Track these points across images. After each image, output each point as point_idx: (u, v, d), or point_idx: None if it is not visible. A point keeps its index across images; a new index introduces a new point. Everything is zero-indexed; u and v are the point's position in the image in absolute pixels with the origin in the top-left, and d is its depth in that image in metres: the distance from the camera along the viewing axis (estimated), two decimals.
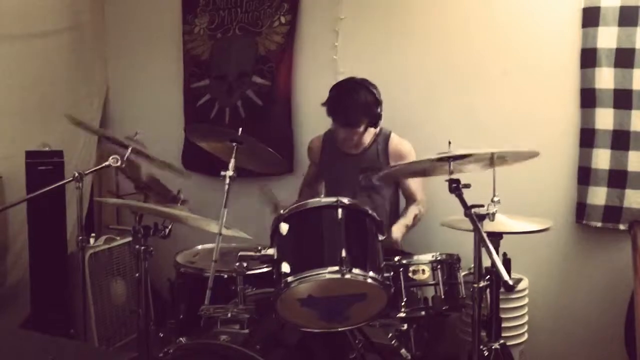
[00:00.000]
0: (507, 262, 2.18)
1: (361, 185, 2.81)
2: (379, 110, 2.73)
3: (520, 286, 2.78)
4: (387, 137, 2.86)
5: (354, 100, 2.68)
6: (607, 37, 2.70)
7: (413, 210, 2.78)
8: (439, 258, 2.11)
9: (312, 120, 3.34)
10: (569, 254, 2.92)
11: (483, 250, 1.81)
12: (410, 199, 2.86)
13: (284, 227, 1.98)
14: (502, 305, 2.29)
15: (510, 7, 2.94)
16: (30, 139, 3.20)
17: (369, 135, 2.84)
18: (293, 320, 1.98)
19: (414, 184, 2.84)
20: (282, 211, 2.03)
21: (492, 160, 2.11)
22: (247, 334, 2.00)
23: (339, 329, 1.99)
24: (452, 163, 2.00)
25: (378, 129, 2.85)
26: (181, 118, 3.73)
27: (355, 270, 1.86)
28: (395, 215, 2.89)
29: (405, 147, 2.85)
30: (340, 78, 2.95)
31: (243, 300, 2.05)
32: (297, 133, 3.43)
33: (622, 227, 2.74)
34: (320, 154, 3.01)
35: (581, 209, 2.82)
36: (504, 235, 2.18)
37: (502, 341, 2.14)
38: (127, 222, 3.69)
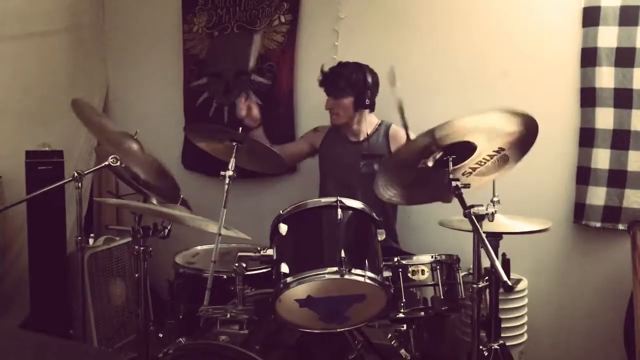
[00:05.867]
0: (506, 263, 2.18)
1: (362, 172, 2.81)
2: (367, 91, 2.80)
3: (519, 286, 2.78)
4: (388, 127, 2.91)
5: (341, 72, 2.82)
6: (608, 37, 2.70)
7: None
8: (438, 258, 2.12)
9: (313, 119, 3.33)
10: (568, 254, 2.92)
11: (482, 250, 1.80)
12: None
13: (283, 228, 1.98)
14: (501, 306, 2.29)
15: (510, 6, 2.93)
16: (30, 138, 3.20)
17: (369, 125, 2.89)
18: (292, 321, 1.98)
19: None
20: (281, 211, 2.03)
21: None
22: (246, 335, 2.00)
23: (338, 330, 1.99)
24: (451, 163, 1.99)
25: (379, 120, 2.91)
26: (181, 118, 3.73)
27: (355, 271, 1.86)
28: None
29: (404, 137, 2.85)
30: None
31: (242, 301, 2.04)
32: (299, 132, 3.43)
33: (621, 227, 2.74)
34: (323, 139, 3.04)
35: (580, 209, 2.82)
36: (503, 236, 2.18)
37: (501, 341, 2.14)
38: (127, 222, 3.69)
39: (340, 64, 2.89)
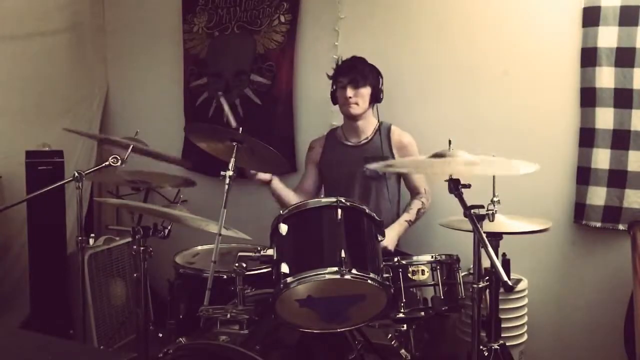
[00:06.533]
0: (506, 263, 2.18)
1: (365, 175, 2.82)
2: (380, 86, 2.84)
3: (519, 286, 2.78)
4: (388, 129, 2.90)
5: (361, 63, 2.84)
6: (608, 37, 2.70)
7: (417, 205, 2.80)
8: (438, 258, 2.12)
9: (313, 120, 3.34)
10: (568, 254, 2.91)
11: (482, 250, 1.80)
12: (414, 192, 2.88)
13: (283, 228, 1.97)
14: (501, 306, 2.29)
15: (510, 7, 2.93)
16: (30, 138, 3.21)
17: (370, 125, 2.89)
18: (292, 321, 1.98)
19: (418, 175, 2.85)
20: (281, 211, 2.03)
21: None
22: (246, 335, 1.99)
23: (339, 330, 1.99)
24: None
25: (379, 122, 2.90)
26: (181, 118, 3.73)
27: (355, 271, 1.86)
28: (401, 204, 2.91)
29: (406, 138, 2.89)
30: None
31: (242, 301, 2.04)
32: (298, 132, 3.43)
33: (621, 227, 2.74)
34: (322, 151, 3.02)
35: (580, 209, 2.82)
36: (503, 236, 2.18)
37: (501, 341, 2.14)
38: (127, 222, 3.70)
39: (354, 57, 2.89)
